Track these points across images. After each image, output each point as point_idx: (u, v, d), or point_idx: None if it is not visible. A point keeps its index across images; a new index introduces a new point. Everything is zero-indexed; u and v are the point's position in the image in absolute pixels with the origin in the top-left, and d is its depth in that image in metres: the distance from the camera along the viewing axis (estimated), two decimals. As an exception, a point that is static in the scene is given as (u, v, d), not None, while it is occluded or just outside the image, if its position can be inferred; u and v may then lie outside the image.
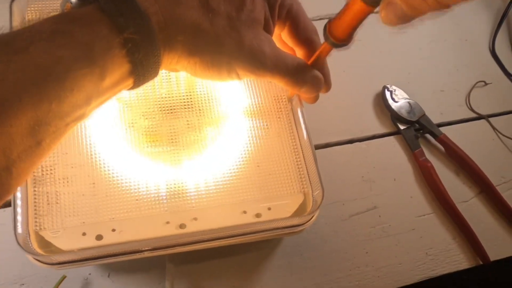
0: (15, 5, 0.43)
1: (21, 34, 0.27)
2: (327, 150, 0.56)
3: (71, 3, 0.31)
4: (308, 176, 0.42)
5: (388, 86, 0.59)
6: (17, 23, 0.43)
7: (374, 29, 0.63)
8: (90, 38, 0.28)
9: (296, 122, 0.44)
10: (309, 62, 0.39)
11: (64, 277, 0.45)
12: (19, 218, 0.37)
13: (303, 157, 0.43)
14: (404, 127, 0.58)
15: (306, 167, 0.42)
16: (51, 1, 0.44)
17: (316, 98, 0.42)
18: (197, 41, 0.33)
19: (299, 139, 0.43)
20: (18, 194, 0.37)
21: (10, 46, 0.26)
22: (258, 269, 0.49)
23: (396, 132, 0.59)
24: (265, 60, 0.36)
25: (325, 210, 0.52)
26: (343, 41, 0.35)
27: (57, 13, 0.29)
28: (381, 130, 0.59)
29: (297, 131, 0.44)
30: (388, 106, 0.58)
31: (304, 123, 0.43)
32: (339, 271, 0.50)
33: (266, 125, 0.44)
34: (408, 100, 0.59)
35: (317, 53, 0.38)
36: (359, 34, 0.62)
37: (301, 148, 0.43)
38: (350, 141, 0.57)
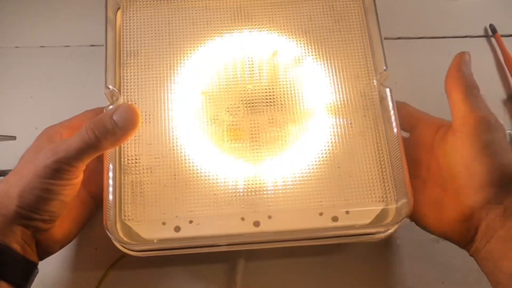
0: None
1: None
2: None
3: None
4: (394, 183, 0.40)
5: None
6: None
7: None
8: None
9: (386, 120, 0.42)
10: None
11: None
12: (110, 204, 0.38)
13: (389, 160, 0.41)
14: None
15: (392, 172, 0.40)
16: None
17: None
18: None
19: (387, 140, 0.41)
20: (110, 182, 0.39)
21: None
22: (327, 273, 0.47)
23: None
24: None
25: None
26: None
27: None
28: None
29: (386, 131, 0.42)
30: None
31: (396, 121, 0.40)
32: None
33: (351, 123, 0.42)
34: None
35: None
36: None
37: (388, 150, 0.41)
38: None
